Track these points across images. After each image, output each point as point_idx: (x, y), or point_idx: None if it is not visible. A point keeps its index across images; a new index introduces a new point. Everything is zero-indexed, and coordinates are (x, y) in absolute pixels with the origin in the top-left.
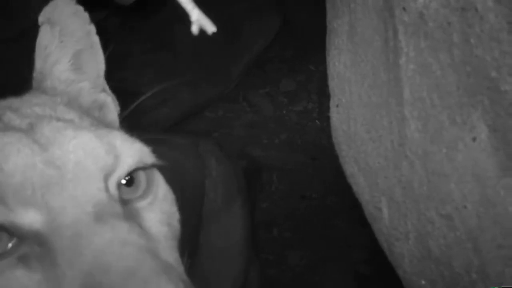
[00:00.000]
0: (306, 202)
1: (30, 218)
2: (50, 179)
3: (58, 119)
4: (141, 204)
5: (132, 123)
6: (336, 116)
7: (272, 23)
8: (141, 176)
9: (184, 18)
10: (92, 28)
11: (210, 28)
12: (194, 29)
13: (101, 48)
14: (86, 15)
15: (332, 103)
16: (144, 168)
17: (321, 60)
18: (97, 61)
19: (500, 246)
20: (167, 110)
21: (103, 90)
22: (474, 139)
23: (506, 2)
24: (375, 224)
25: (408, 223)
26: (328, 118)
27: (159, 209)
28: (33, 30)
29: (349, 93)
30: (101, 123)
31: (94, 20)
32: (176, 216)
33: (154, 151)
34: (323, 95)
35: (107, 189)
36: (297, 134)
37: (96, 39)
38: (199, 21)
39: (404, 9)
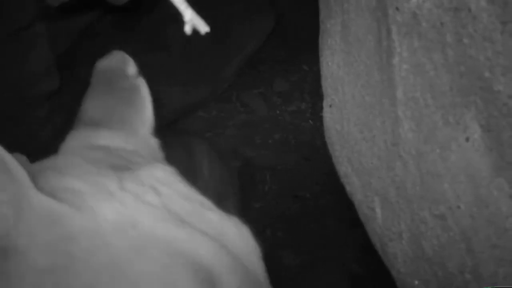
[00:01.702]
0: (299, 202)
1: None
2: None
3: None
4: None
5: None
6: (329, 116)
7: (265, 23)
8: None
9: (177, 18)
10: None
11: (203, 28)
12: (187, 29)
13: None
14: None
15: (326, 103)
16: None
17: (315, 60)
18: None
19: (494, 246)
20: (160, 110)
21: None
22: (467, 139)
23: (500, 2)
24: (369, 224)
25: (401, 223)
26: (321, 118)
27: None
28: (28, 30)
29: (342, 93)
30: None
31: (87, 20)
32: None
33: None
34: (317, 95)
35: None
36: (291, 134)
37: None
38: (192, 21)
39: (397, 9)
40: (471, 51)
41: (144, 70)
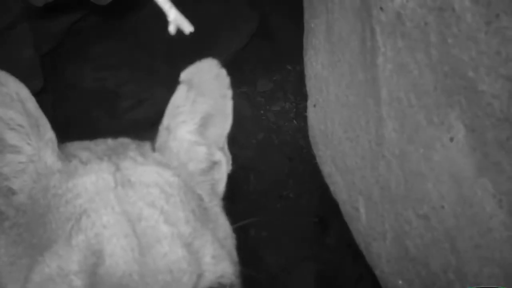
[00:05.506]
0: (283, 201)
1: None
2: None
3: (165, 220)
4: None
5: (114, 126)
6: (313, 116)
7: (249, 23)
8: None
9: (161, 18)
10: (229, 93)
11: (187, 28)
12: (172, 29)
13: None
14: (227, 80)
15: (310, 103)
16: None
17: (298, 60)
18: (224, 126)
19: (477, 245)
20: (144, 111)
21: (221, 150)
22: (451, 139)
23: (483, 2)
24: (353, 224)
25: (385, 223)
26: (305, 118)
27: None
28: (11, 30)
29: (326, 93)
30: (203, 212)
31: (71, 20)
32: None
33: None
34: (300, 95)
35: None
36: (274, 134)
37: (230, 103)
38: (176, 21)
39: (381, 9)
40: (455, 51)
41: (128, 69)
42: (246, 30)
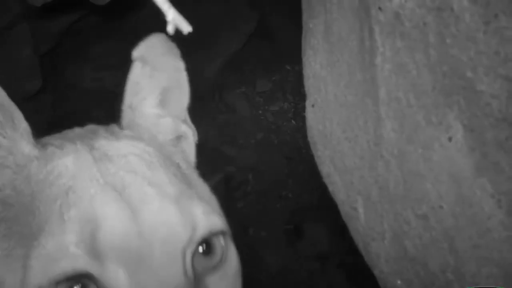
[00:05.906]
0: (282, 201)
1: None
2: (141, 256)
3: (149, 182)
4: (212, 279)
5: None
6: (311, 116)
7: (248, 23)
8: (217, 246)
9: (160, 18)
10: (182, 65)
11: (186, 28)
12: (170, 29)
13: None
14: (177, 52)
15: (308, 103)
16: (216, 234)
17: (297, 60)
18: (182, 97)
19: (476, 246)
20: None
21: (184, 122)
22: (450, 139)
23: (482, 2)
24: (351, 224)
25: (384, 223)
26: (304, 118)
27: (227, 285)
28: (11, 30)
29: (325, 93)
30: (184, 176)
31: (70, 20)
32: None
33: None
34: (299, 94)
35: (185, 272)
36: (273, 134)
37: (184, 74)
38: (175, 21)
39: (380, 8)
40: (454, 51)
41: (128, 70)
42: (245, 30)
